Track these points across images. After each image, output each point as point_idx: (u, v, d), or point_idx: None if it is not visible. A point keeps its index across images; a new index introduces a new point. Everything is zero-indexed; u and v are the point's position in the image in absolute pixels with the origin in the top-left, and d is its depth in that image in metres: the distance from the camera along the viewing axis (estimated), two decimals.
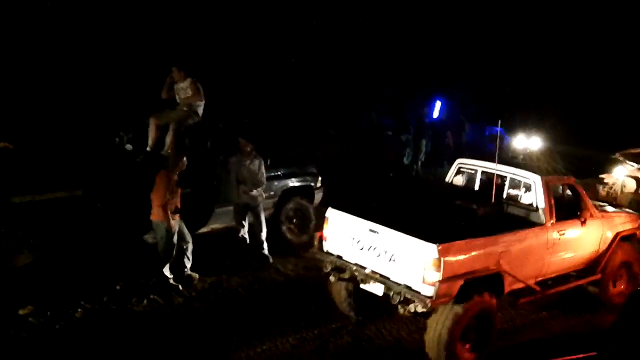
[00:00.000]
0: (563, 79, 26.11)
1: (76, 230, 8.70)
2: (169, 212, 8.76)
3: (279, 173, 11.57)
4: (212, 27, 18.99)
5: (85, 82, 16.12)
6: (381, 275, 7.50)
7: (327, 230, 8.17)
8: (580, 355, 5.50)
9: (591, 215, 8.97)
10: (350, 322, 8.62)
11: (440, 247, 6.85)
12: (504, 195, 9.00)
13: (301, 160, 12.52)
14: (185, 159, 9.13)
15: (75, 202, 8.73)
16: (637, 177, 14.21)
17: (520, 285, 8.00)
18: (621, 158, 14.77)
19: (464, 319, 7.20)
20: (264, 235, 10.51)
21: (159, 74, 11.10)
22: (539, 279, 8.41)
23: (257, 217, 10.40)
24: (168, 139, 10.28)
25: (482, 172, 9.32)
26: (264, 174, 10.32)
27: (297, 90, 20.82)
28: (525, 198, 8.77)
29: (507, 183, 9.03)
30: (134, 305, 8.58)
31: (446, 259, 6.89)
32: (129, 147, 10.62)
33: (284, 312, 8.75)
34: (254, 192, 10.21)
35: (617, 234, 9.40)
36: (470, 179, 9.50)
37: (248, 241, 10.49)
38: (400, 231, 7.29)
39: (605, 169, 15.31)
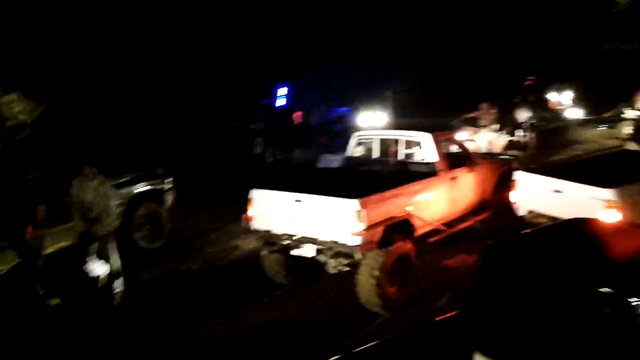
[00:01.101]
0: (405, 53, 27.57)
1: None
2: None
3: (126, 179, 11.32)
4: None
5: None
6: (310, 238, 8.58)
7: (253, 209, 9.16)
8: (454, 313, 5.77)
9: (475, 162, 10.61)
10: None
11: (360, 201, 8.07)
12: (401, 155, 10.51)
13: (148, 163, 12.24)
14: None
15: None
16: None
17: (428, 227, 9.40)
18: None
19: (388, 261, 8.35)
20: (115, 266, 9.42)
21: None
22: (443, 221, 9.79)
23: (105, 250, 9.33)
24: None
25: (379, 140, 10.77)
26: (114, 198, 9.42)
27: (136, 90, 20.41)
28: (420, 154, 10.27)
29: (402, 144, 10.52)
30: None
31: (366, 210, 8.10)
32: None
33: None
34: (106, 219, 9.21)
35: (498, 173, 11.02)
36: (369, 147, 10.89)
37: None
38: (323, 195, 8.46)
39: None
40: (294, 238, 8.72)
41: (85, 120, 15.76)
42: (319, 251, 8.61)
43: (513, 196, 9.85)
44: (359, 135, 11.14)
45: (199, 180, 15.66)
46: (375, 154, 10.79)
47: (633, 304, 4.31)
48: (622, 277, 4.66)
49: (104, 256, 9.18)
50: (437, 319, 5.96)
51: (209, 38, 23.52)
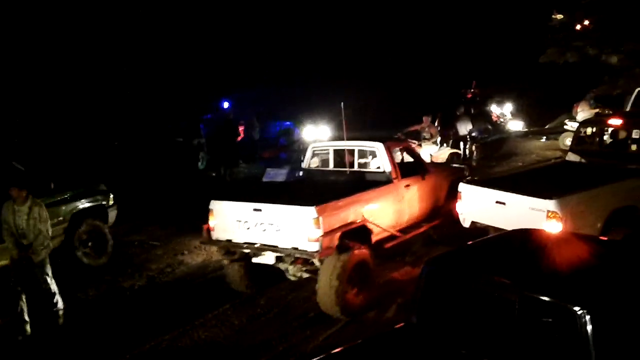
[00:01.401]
0: (345, 68, 27.83)
1: None
2: None
3: (66, 196, 11.20)
4: None
5: None
6: (270, 246, 8.82)
7: (213, 220, 9.38)
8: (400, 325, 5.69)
9: (427, 171, 10.96)
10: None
11: (317, 208, 8.37)
12: (356, 165, 10.82)
13: (89, 180, 12.19)
14: None
15: None
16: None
17: (385, 234, 9.72)
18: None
19: (347, 266, 8.60)
20: (53, 290, 9.07)
21: None
22: (398, 227, 10.12)
23: (43, 274, 8.95)
24: None
25: (334, 150, 11.11)
26: (47, 222, 8.94)
27: (77, 106, 20.24)
28: (374, 163, 10.58)
29: (356, 154, 10.81)
30: None
31: (323, 217, 8.40)
32: None
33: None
34: (40, 246, 8.81)
35: (449, 181, 11.33)
36: (324, 158, 11.24)
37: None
38: (282, 204, 8.74)
39: None
40: (254, 246, 8.96)
41: (25, 136, 15.52)
42: (278, 258, 8.92)
43: (457, 208, 10.07)
44: (314, 147, 11.46)
45: (142, 196, 15.49)
46: (331, 164, 11.13)
47: (575, 312, 4.41)
48: (564, 286, 4.77)
49: (40, 279, 8.93)
50: (383, 331, 5.99)
51: (153, 53, 23.36)
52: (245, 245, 9.07)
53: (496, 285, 4.97)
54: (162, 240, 13.13)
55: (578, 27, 21.64)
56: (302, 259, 8.66)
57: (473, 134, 18.69)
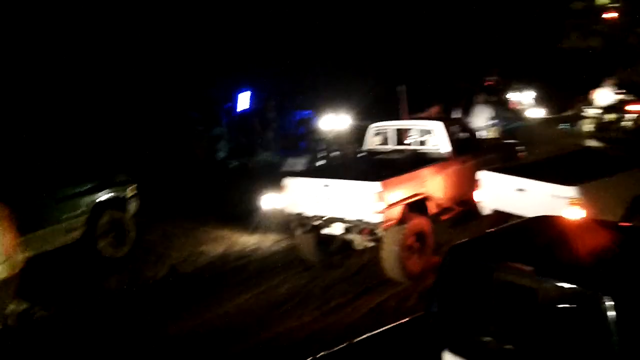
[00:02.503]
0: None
1: None
2: None
3: (87, 187, 11.43)
4: None
5: None
6: (338, 218, 10.06)
7: (285, 195, 10.65)
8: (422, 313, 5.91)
9: (482, 148, 12.13)
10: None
11: (381, 183, 9.54)
12: (416, 143, 12.01)
13: (110, 170, 12.42)
14: None
15: None
16: None
17: (442, 207, 10.86)
18: None
19: (407, 236, 9.85)
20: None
21: None
22: (454, 201, 11.18)
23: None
24: None
25: (395, 130, 12.28)
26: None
27: (98, 96, 20.26)
28: (432, 141, 11.70)
29: (415, 133, 12.06)
30: None
31: (386, 191, 9.57)
32: None
33: None
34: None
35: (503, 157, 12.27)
36: (385, 137, 12.40)
37: None
38: (348, 180, 9.94)
39: None
40: (323, 219, 10.16)
41: (46, 126, 15.61)
42: (346, 229, 10.09)
43: (477, 196, 10.41)
44: (376, 127, 12.53)
45: (162, 187, 15.62)
46: (392, 142, 12.28)
47: (599, 298, 4.43)
48: (587, 273, 4.80)
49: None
50: (406, 319, 6.04)
51: (171, 41, 23.36)
52: (315, 218, 10.28)
53: (518, 273, 5.01)
54: (184, 230, 13.44)
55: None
56: (367, 229, 9.81)
57: (492, 122, 18.56)
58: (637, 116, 11.46)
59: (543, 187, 9.05)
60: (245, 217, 13.33)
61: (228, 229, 13.27)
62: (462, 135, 12.30)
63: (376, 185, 9.45)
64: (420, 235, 10.05)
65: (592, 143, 14.18)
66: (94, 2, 20.58)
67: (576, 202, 8.48)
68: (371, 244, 10.12)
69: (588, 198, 8.53)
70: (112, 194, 11.84)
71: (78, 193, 11.06)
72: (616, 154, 10.60)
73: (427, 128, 11.79)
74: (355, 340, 5.67)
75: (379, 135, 12.49)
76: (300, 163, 15.21)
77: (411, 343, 5.55)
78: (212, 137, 21.41)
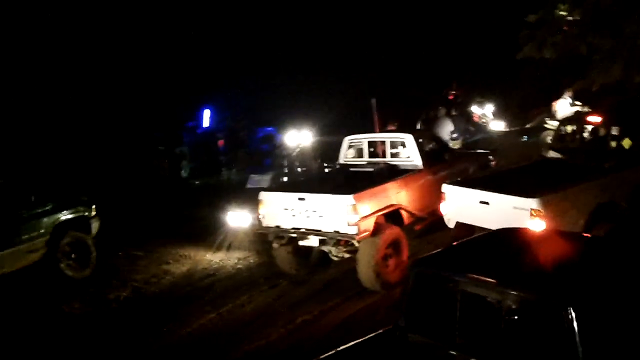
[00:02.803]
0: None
1: None
2: None
3: (48, 208, 11.40)
4: None
5: None
6: (314, 230, 10.37)
7: (262, 209, 10.90)
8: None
9: (453, 158, 12.47)
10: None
11: (354, 196, 9.88)
12: (388, 155, 12.26)
13: (71, 191, 12.52)
14: None
15: None
16: None
17: (415, 217, 11.15)
18: None
19: (382, 246, 10.15)
20: None
21: None
22: (427, 211, 11.39)
23: None
24: None
25: (367, 143, 12.52)
26: None
27: (57, 115, 20.10)
28: (404, 152, 12.02)
29: (387, 145, 12.26)
30: None
31: (360, 204, 9.92)
32: None
33: None
34: None
35: (476, 166, 12.78)
36: (359, 150, 12.66)
37: None
38: (323, 193, 10.31)
39: None
40: (300, 231, 10.47)
41: (5, 146, 15.42)
42: (322, 241, 10.37)
43: (442, 208, 10.48)
44: (350, 140, 12.77)
45: (124, 207, 15.45)
46: (365, 155, 12.57)
47: (561, 309, 4.50)
48: (549, 284, 4.89)
49: None
50: (372, 334, 6.02)
51: (132, 59, 23.24)
52: (292, 230, 10.56)
53: (482, 285, 5.05)
54: (147, 250, 13.44)
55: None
56: (344, 240, 10.14)
57: (454, 136, 18.71)
58: (594, 127, 11.65)
59: (505, 199, 9.17)
60: (208, 235, 13.42)
61: (192, 248, 13.31)
62: (433, 146, 12.65)
63: (349, 198, 9.79)
64: (395, 245, 10.36)
65: (553, 154, 14.35)
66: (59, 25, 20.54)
67: (537, 213, 8.58)
68: (348, 255, 10.41)
69: (549, 209, 8.64)
70: (73, 215, 11.82)
71: (38, 213, 11.04)
72: (576, 165, 10.76)
73: (399, 140, 12.12)
74: (322, 357, 5.63)
75: (353, 148, 12.79)
76: (264, 180, 15.19)
77: (379, 358, 5.54)
78: (175, 156, 21.44)
